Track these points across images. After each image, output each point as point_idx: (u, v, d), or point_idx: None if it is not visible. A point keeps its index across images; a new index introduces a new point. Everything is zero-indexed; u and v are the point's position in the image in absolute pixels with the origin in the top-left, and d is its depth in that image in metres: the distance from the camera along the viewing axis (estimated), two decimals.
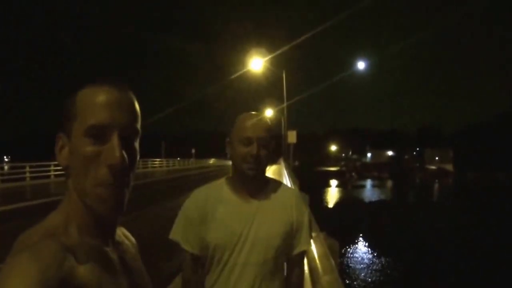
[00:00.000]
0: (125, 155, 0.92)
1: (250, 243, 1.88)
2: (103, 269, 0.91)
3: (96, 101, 0.93)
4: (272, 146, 1.94)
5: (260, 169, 1.90)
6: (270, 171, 35.00)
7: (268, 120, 1.96)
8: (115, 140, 0.91)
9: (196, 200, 2.00)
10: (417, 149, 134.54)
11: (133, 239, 1.22)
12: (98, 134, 0.91)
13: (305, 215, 2.01)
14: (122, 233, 1.16)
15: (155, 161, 48.74)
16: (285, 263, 2.04)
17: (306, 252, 2.14)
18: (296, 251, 1.97)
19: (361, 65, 35.14)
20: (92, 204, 0.92)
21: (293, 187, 2.22)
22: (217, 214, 1.92)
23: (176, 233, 1.99)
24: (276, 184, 2.07)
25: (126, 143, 0.94)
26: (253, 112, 1.96)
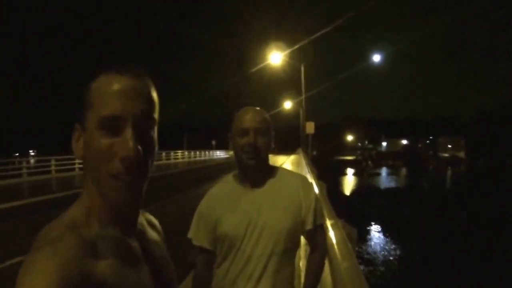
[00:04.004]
0: (140, 147, 0.88)
1: (259, 231, 1.88)
2: (124, 260, 0.89)
3: (110, 90, 0.89)
4: (270, 137, 1.98)
5: (259, 158, 1.92)
6: (290, 161, 35.03)
7: (264, 113, 2.00)
8: (128, 131, 0.87)
9: (207, 198, 2.06)
10: (431, 137, 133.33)
11: (159, 226, 1.20)
12: (111, 125, 0.87)
13: (312, 196, 2.01)
14: (147, 221, 1.14)
15: (177, 152, 48.92)
16: (297, 251, 2.05)
17: (323, 229, 2.13)
18: (310, 226, 1.96)
19: (376, 57, 35.09)
20: (108, 196, 0.89)
21: (300, 173, 2.22)
22: (224, 208, 1.95)
23: (191, 231, 2.05)
24: (280, 171, 2.08)
25: (142, 133, 0.90)
26: (250, 107, 2.00)
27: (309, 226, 1.96)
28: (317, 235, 2.04)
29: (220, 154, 63.10)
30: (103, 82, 0.91)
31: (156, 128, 0.97)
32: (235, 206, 1.94)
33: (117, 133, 0.88)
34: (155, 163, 0.98)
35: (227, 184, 2.05)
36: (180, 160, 48.04)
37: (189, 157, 52.53)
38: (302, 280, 2.08)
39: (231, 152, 2.04)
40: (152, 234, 1.11)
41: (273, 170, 2.06)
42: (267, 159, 2.01)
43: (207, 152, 61.10)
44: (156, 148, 0.97)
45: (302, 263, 3.90)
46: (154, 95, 0.96)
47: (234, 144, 1.95)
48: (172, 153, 46.44)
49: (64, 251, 0.77)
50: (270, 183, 1.99)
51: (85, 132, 0.91)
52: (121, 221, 0.95)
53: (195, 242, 2.01)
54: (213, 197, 2.04)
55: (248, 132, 1.90)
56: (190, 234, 2.04)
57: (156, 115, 0.96)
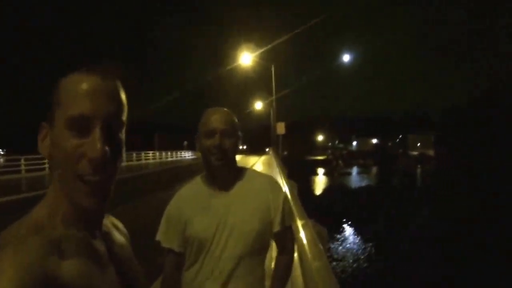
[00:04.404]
0: (107, 148, 0.86)
1: (228, 233, 1.86)
2: (90, 261, 0.86)
3: (79, 90, 0.87)
4: (236, 138, 1.95)
5: (226, 159, 1.90)
6: (261, 161, 35.12)
7: (231, 113, 1.98)
8: (97, 132, 0.85)
9: (175, 200, 2.04)
10: (400, 136, 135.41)
11: (123, 229, 1.17)
12: (80, 125, 0.85)
13: (281, 197, 1.99)
14: (111, 223, 1.11)
15: (149, 153, 48.53)
16: (267, 253, 2.03)
17: (292, 230, 2.10)
18: (277, 227, 1.94)
19: (346, 57, 35.80)
20: (73, 197, 0.87)
21: (268, 174, 2.20)
22: (192, 210, 1.94)
23: (159, 234, 2.02)
24: (248, 172, 2.07)
25: (111, 135, 0.88)
26: (216, 107, 1.98)
27: (276, 227, 1.94)
28: (284, 237, 2.01)
29: (188, 155, 62.72)
30: (72, 81, 0.89)
31: (124, 129, 0.95)
32: (204, 208, 1.92)
33: (85, 134, 0.86)
34: (127, 164, 0.95)
35: (196, 186, 2.03)
36: (152, 161, 47.65)
37: (160, 158, 52.17)
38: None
39: (199, 153, 2.01)
40: (118, 236, 1.09)
41: (241, 172, 2.04)
42: (234, 161, 1.99)
43: (178, 153, 60.85)
44: (124, 149, 0.96)
45: (273, 264, 3.89)
46: (123, 96, 0.95)
47: (200, 145, 1.92)
48: (143, 154, 46.04)
49: (27, 252, 0.75)
50: (238, 185, 1.97)
51: (52, 131, 0.88)
52: (87, 223, 0.92)
53: (164, 245, 1.98)
54: (181, 199, 2.02)
55: (214, 134, 1.87)
56: (158, 237, 2.01)
57: (124, 117, 0.94)
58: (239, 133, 2.00)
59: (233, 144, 1.91)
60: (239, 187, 1.96)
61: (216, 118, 1.90)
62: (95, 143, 0.85)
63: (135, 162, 40.88)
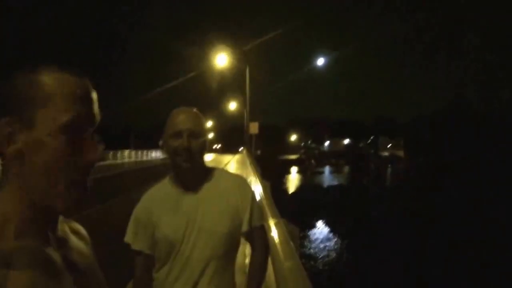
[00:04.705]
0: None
1: (197, 235, 1.84)
2: (42, 272, 0.78)
3: (73, 92, 0.82)
4: (204, 138, 1.91)
5: (194, 160, 1.85)
6: (235, 160, 35.12)
7: (198, 114, 1.94)
8: (94, 136, 0.84)
9: (143, 202, 1.99)
10: (372, 137, 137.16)
11: (84, 234, 1.08)
12: (76, 129, 0.81)
13: (249, 196, 1.97)
14: (70, 228, 1.02)
15: (124, 152, 48.11)
16: (237, 253, 2.01)
17: (263, 230, 2.06)
18: (246, 228, 1.91)
19: (320, 61, 36.27)
20: (55, 204, 0.82)
21: (237, 174, 2.18)
22: (161, 212, 1.90)
23: (128, 236, 1.97)
24: (216, 172, 2.03)
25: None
26: (183, 107, 1.93)
27: (245, 227, 1.92)
28: (254, 237, 1.98)
29: (157, 155, 61.46)
30: (60, 80, 0.83)
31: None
32: (173, 210, 1.88)
33: (80, 138, 0.83)
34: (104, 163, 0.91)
35: (164, 187, 1.99)
36: (127, 160, 47.27)
37: (136, 158, 51.83)
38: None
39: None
40: (76, 243, 1.00)
41: (209, 172, 2.00)
42: (202, 162, 1.95)
43: (151, 153, 60.39)
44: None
45: (247, 261, 3.87)
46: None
47: (167, 146, 1.87)
48: (119, 153, 45.69)
49: None
50: (207, 185, 1.93)
51: (31, 129, 0.80)
52: (42, 230, 0.85)
53: (134, 247, 1.94)
54: (150, 200, 1.97)
55: (181, 135, 1.82)
56: (127, 239, 1.96)
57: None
58: (207, 133, 1.95)
59: (200, 145, 1.87)
60: (207, 188, 1.93)
61: (183, 118, 1.86)
62: (96, 146, 0.84)
63: (111, 161, 40.49)
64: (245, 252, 4.38)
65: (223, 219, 1.87)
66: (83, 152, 0.82)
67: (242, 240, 2.03)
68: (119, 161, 43.91)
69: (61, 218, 0.95)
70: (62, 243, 0.91)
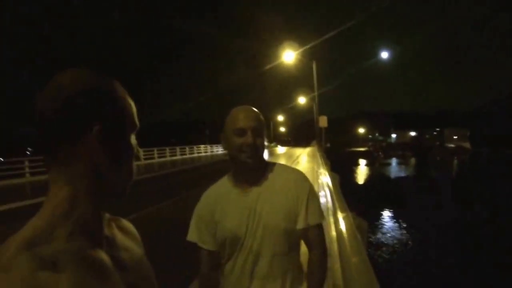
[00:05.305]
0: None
1: (258, 230, 1.79)
2: (90, 272, 0.75)
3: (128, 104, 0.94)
4: (264, 135, 1.87)
5: (258, 156, 1.81)
6: (305, 153, 34.95)
7: (258, 112, 1.89)
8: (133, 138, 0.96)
9: (205, 200, 1.96)
10: (437, 129, 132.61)
11: (133, 231, 1.04)
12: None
13: (306, 191, 1.87)
14: (119, 227, 0.99)
15: (200, 147, 49.19)
16: (299, 250, 1.93)
17: (320, 228, 1.93)
18: (301, 225, 1.82)
19: (384, 54, 35.18)
20: (119, 191, 0.90)
21: (296, 168, 2.08)
22: (223, 209, 1.86)
23: (191, 234, 1.94)
24: (276, 167, 1.96)
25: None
26: (244, 106, 1.89)
27: (300, 225, 1.83)
28: (310, 235, 1.88)
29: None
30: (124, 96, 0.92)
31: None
32: (234, 206, 1.84)
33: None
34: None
35: (224, 184, 1.94)
36: (203, 154, 48.11)
37: (212, 152, 52.49)
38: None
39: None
40: (123, 240, 0.96)
41: (270, 167, 1.94)
42: (263, 157, 1.90)
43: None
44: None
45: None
46: None
47: (229, 143, 1.82)
48: (195, 148, 46.65)
49: (16, 275, 0.65)
50: (266, 181, 1.87)
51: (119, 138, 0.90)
52: (88, 231, 0.82)
53: (199, 245, 1.92)
54: (210, 199, 1.93)
55: (245, 132, 1.78)
56: (190, 237, 1.94)
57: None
58: (265, 131, 1.90)
59: (262, 141, 1.83)
60: (267, 183, 1.87)
61: (246, 116, 1.82)
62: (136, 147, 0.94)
63: (187, 156, 41.52)
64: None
65: (283, 214, 1.80)
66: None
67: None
68: (195, 155, 44.73)
69: (107, 216, 0.93)
70: (110, 242, 0.89)
